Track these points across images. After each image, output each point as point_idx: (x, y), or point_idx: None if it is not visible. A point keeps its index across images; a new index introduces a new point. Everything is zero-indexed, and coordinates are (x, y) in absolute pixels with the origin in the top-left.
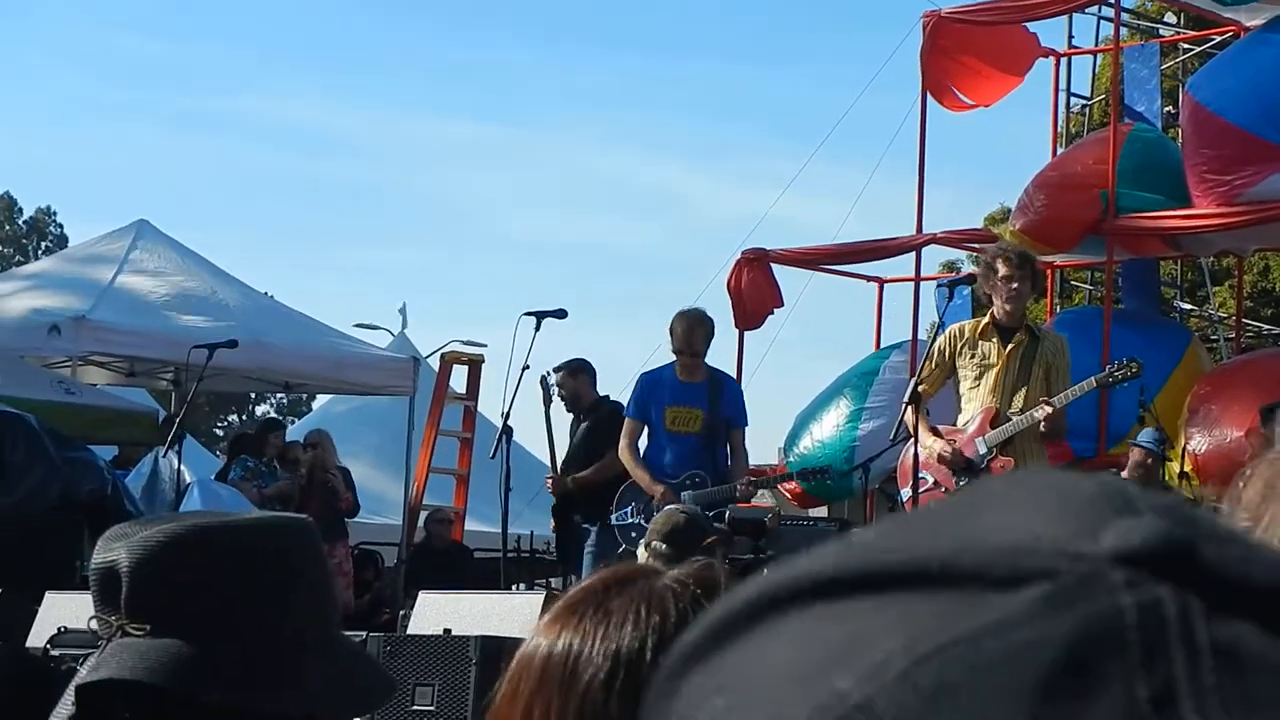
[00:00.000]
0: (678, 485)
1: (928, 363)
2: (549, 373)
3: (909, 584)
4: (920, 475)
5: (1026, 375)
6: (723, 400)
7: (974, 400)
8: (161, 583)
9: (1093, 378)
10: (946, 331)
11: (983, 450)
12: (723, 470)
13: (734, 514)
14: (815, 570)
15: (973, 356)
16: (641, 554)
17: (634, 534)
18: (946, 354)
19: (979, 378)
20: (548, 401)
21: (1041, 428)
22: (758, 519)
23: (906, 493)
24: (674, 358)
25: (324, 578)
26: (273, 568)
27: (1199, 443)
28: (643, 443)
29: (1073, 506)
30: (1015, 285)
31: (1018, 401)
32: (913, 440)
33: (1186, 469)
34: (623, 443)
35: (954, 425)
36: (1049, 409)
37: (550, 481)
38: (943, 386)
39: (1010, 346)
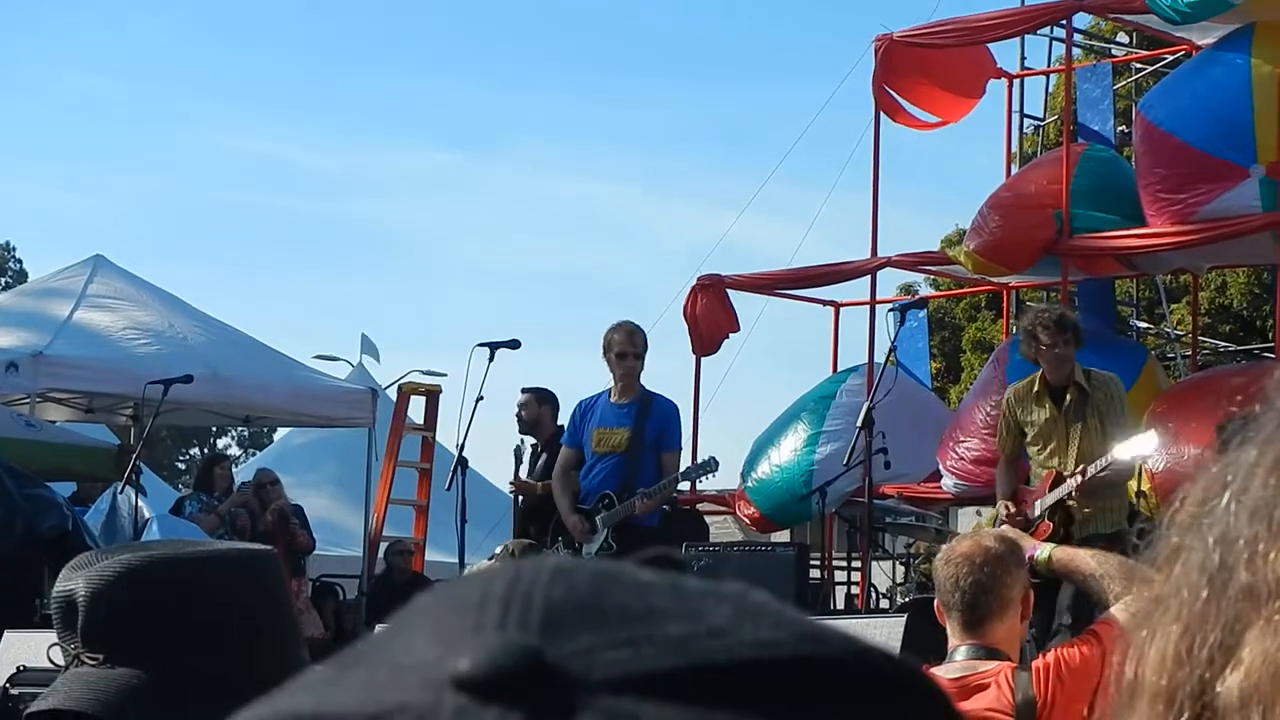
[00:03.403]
0: (591, 511)
1: (1001, 432)
2: (520, 444)
3: None
4: None
5: (1080, 431)
6: (650, 420)
7: (1040, 464)
8: (116, 613)
9: (1132, 461)
10: (1005, 396)
11: (1036, 514)
12: (640, 488)
13: None
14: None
15: (1030, 420)
16: None
17: None
18: (1010, 420)
19: (1037, 439)
20: (518, 465)
21: (1071, 498)
22: None
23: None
24: (610, 383)
25: (285, 610)
26: (230, 600)
27: (1156, 461)
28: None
29: (452, 623)
30: (1057, 351)
31: (1071, 460)
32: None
33: (1144, 487)
34: (555, 471)
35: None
36: (1077, 481)
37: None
38: (1020, 447)
39: (1064, 406)
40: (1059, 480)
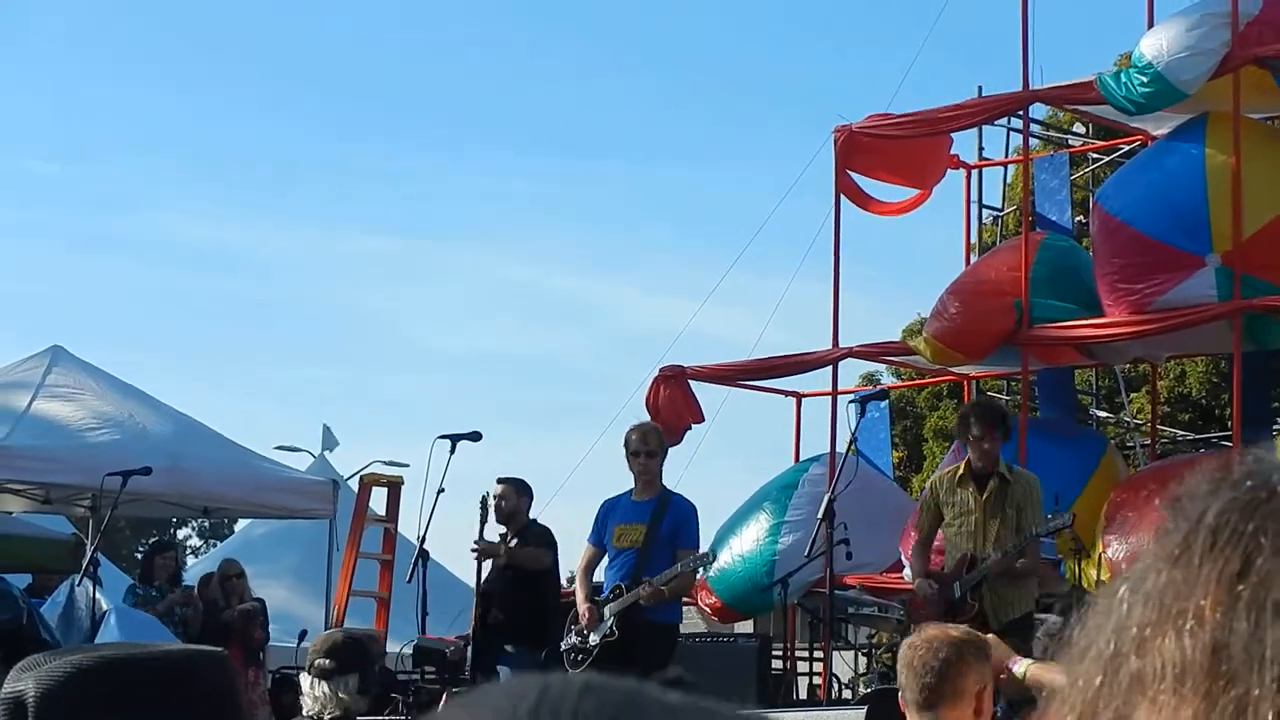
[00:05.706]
0: (604, 601)
1: (920, 513)
2: (488, 494)
3: None
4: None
5: (998, 519)
6: (666, 517)
7: (954, 544)
8: (66, 714)
9: (1034, 529)
10: (930, 482)
11: (957, 594)
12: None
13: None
14: None
15: (952, 505)
16: (305, 677)
17: (575, 656)
18: (932, 504)
19: (958, 522)
20: (484, 520)
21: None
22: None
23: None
24: (632, 483)
25: (235, 710)
26: (180, 702)
27: (1116, 550)
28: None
29: None
30: (985, 446)
31: (988, 545)
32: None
33: (1104, 576)
34: (577, 567)
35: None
36: (997, 556)
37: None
38: (935, 530)
39: (985, 494)
40: (974, 563)
